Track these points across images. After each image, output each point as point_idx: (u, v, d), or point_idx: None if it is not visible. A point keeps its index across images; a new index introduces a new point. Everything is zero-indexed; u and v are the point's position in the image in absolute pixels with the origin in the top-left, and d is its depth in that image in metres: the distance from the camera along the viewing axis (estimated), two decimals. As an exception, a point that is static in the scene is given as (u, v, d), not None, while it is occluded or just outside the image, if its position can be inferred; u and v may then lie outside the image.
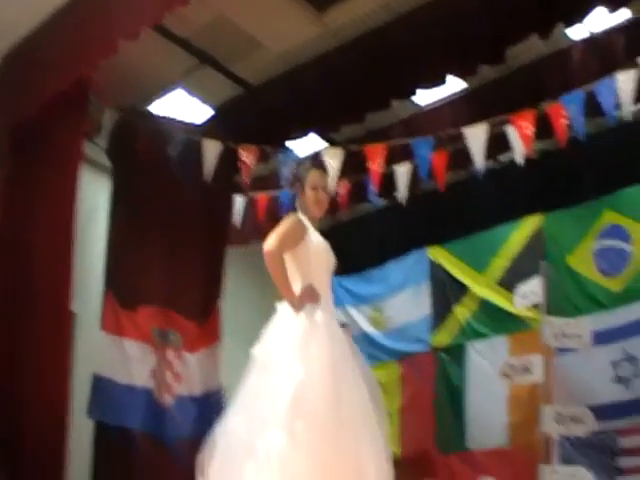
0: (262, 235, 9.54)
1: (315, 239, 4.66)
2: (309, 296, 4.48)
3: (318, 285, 4.56)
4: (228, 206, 8.88)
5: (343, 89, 7.81)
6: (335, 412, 4.19)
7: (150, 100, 8.57)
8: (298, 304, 4.43)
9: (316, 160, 5.03)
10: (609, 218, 8.60)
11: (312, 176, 4.80)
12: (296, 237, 4.57)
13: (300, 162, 8.37)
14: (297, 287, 4.52)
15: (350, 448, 4.17)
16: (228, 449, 4.29)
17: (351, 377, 4.36)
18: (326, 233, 11.63)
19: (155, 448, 8.23)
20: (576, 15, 6.80)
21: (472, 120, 7.81)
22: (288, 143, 8.48)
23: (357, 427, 4.23)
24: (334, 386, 4.25)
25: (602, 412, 7.68)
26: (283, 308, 4.53)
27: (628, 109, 7.04)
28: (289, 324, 4.46)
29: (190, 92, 8.48)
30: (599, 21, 7.38)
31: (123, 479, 8.02)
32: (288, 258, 4.55)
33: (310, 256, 4.61)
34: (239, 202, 8.78)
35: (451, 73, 7.45)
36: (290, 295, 4.46)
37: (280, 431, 4.13)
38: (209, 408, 8.39)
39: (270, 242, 4.47)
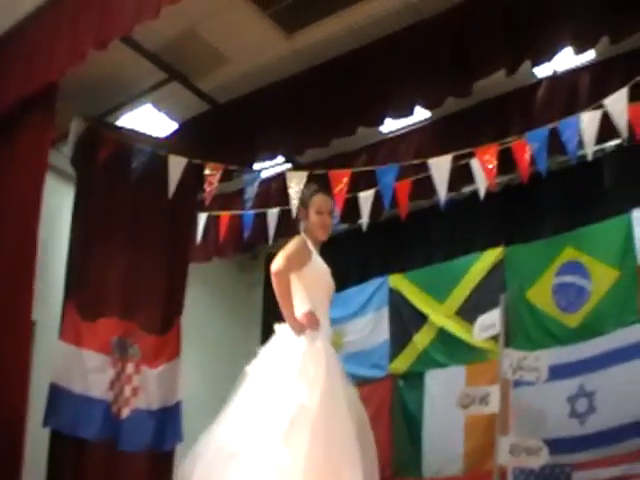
0: (223, 253, 9.69)
1: (318, 263, 4.80)
2: (310, 322, 4.60)
3: (318, 308, 4.72)
4: (191, 222, 8.85)
5: (310, 113, 7.82)
6: (329, 432, 4.30)
7: (118, 112, 8.54)
8: (299, 329, 4.55)
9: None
10: (569, 255, 8.70)
11: (317, 200, 4.94)
12: (302, 259, 4.74)
13: (263, 182, 8.50)
14: (299, 309, 4.64)
15: (338, 466, 4.26)
16: (213, 459, 4.34)
17: (343, 401, 4.48)
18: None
19: (110, 460, 8.16)
20: (544, 54, 6.82)
21: (436, 150, 7.85)
22: (254, 163, 8.45)
23: (348, 449, 4.32)
24: (330, 410, 4.35)
25: (557, 446, 7.77)
26: (282, 329, 4.66)
27: (590, 149, 7.11)
28: (289, 346, 4.58)
29: (157, 107, 8.45)
30: (565, 60, 7.45)
31: (78, 489, 7.99)
32: (292, 280, 4.69)
33: (313, 279, 4.77)
34: (202, 219, 8.77)
35: (419, 104, 7.46)
36: (292, 318, 4.60)
37: (275, 444, 4.22)
38: (166, 422, 8.38)
39: (278, 262, 4.62)
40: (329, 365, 4.54)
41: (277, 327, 4.73)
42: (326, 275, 4.86)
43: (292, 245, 4.75)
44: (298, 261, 4.71)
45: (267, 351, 4.70)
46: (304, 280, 4.74)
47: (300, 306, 4.68)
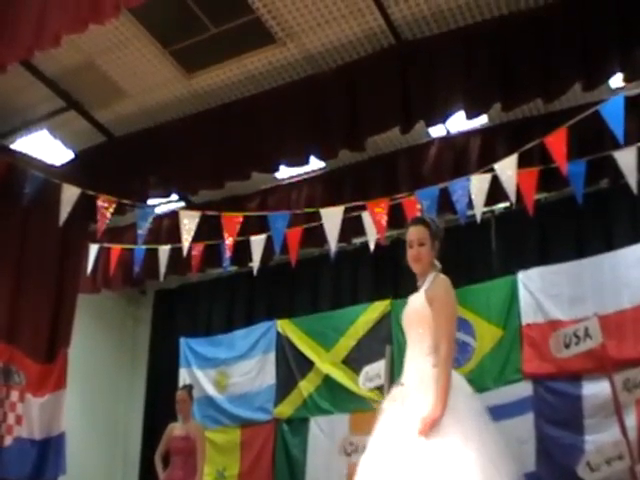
0: (112, 286, 9.56)
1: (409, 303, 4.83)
2: None
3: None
4: (81, 253, 8.74)
5: (205, 154, 7.80)
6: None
7: (12, 135, 8.38)
8: None
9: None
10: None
11: (408, 234, 4.87)
12: None
13: (156, 218, 8.45)
14: None
15: None
16: None
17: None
18: (175, 292, 11.61)
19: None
20: (437, 117, 6.96)
21: (328, 200, 8.00)
22: (147, 199, 8.39)
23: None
24: None
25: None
26: None
27: (479, 211, 7.25)
28: None
29: (53, 133, 8.35)
30: (458, 122, 7.61)
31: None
32: None
33: None
34: (93, 250, 8.68)
35: (313, 154, 7.51)
36: None
37: None
38: (49, 453, 8.22)
39: None
40: None
41: None
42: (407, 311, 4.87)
43: None
44: None
45: None
46: None
47: None
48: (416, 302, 4.76)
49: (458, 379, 4.66)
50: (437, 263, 4.83)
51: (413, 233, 4.84)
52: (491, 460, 4.22)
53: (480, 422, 4.43)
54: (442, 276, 4.76)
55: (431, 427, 4.25)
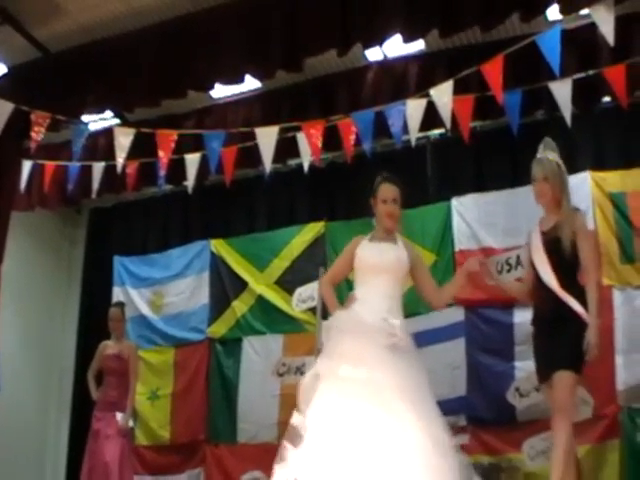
0: (47, 204, 9.45)
1: (367, 250, 5.28)
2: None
3: (366, 286, 5.15)
4: (15, 170, 8.56)
5: (141, 71, 7.68)
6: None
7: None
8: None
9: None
10: (391, 234, 8.84)
11: (382, 190, 5.42)
12: (346, 260, 5.37)
13: (91, 135, 8.35)
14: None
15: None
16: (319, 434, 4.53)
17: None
18: (110, 210, 11.51)
19: None
20: (374, 39, 6.93)
21: (264, 121, 7.95)
22: (82, 115, 8.28)
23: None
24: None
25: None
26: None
27: (414, 135, 7.29)
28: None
29: (-14, 48, 8.16)
30: (395, 48, 7.65)
31: None
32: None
33: (359, 265, 5.26)
34: (26, 167, 8.55)
35: (250, 73, 7.46)
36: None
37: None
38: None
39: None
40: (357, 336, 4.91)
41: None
42: (373, 257, 5.21)
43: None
44: (341, 264, 5.39)
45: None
46: (356, 267, 5.25)
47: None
48: (398, 254, 5.32)
49: None
50: None
51: (390, 191, 5.42)
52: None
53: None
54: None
55: None
